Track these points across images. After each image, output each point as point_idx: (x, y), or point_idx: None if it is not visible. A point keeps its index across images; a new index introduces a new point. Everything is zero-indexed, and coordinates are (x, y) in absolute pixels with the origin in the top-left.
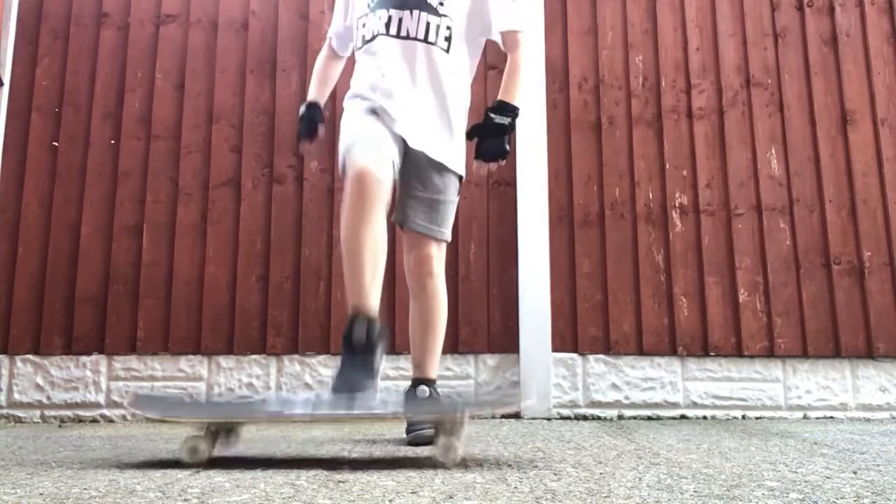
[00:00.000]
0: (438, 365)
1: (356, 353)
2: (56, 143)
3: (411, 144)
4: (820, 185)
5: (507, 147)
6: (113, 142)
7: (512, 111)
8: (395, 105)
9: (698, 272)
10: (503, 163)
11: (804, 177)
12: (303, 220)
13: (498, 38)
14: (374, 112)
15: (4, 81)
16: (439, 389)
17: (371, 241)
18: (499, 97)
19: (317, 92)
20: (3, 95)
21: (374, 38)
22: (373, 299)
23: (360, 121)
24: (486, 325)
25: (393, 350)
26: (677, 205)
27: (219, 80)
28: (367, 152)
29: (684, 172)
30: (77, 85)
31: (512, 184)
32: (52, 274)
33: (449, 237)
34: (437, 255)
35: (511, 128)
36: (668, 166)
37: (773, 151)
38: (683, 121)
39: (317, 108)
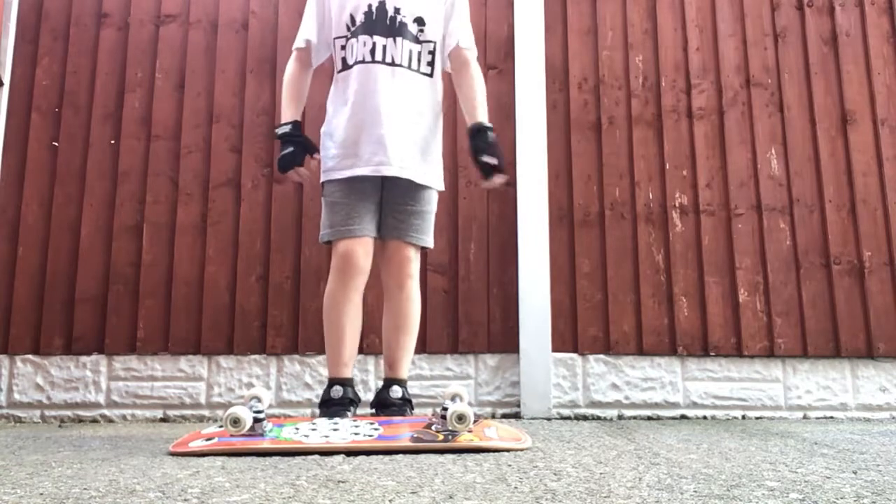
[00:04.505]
0: (410, 365)
1: (332, 406)
2: (56, 143)
3: (398, 175)
4: (820, 185)
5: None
6: (113, 142)
7: (492, 129)
8: (378, 140)
9: (698, 272)
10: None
11: (804, 177)
12: (303, 220)
13: (448, 50)
14: (354, 179)
15: (4, 81)
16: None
17: (351, 317)
18: (479, 120)
19: (294, 110)
20: (3, 95)
21: (357, 63)
22: (349, 372)
23: (343, 198)
24: (486, 325)
25: None
26: (677, 205)
27: (219, 80)
28: (352, 232)
29: (684, 172)
30: (77, 85)
31: (512, 184)
32: (52, 274)
33: (432, 244)
34: (416, 260)
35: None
36: (668, 166)
37: (773, 151)
38: (683, 121)
39: (300, 127)
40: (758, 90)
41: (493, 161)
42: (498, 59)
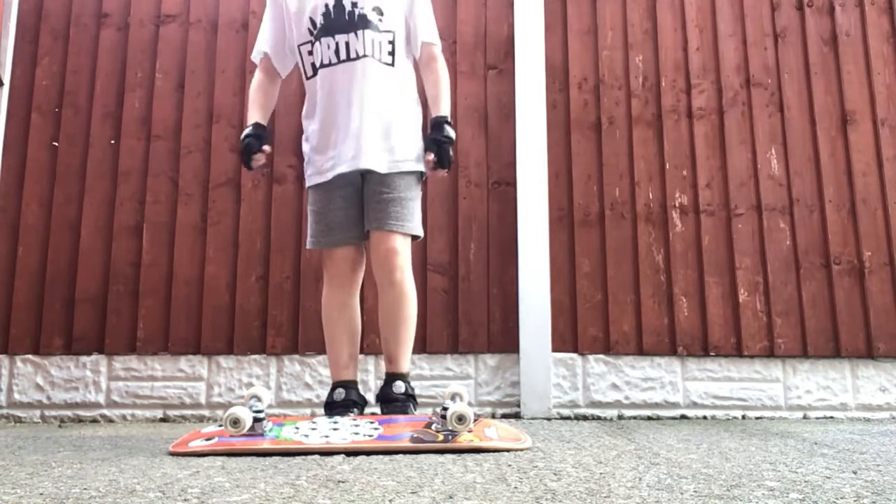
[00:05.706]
0: (410, 358)
1: (335, 409)
2: (56, 143)
3: (378, 171)
4: (820, 185)
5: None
6: (113, 142)
7: (450, 124)
8: (347, 136)
9: (698, 272)
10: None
11: (804, 177)
12: (303, 220)
13: (417, 50)
14: (332, 184)
15: (4, 81)
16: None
17: (345, 320)
18: (439, 113)
19: (260, 116)
20: (3, 95)
21: (324, 66)
22: (350, 374)
23: (322, 208)
24: (486, 325)
25: None
26: (677, 205)
27: (219, 80)
28: (330, 243)
29: (684, 172)
30: (77, 85)
31: (512, 184)
32: (52, 274)
33: (419, 231)
34: (404, 250)
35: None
36: (668, 166)
37: (773, 151)
38: (683, 121)
39: (262, 127)
40: (758, 90)
41: (432, 159)
42: (498, 58)
